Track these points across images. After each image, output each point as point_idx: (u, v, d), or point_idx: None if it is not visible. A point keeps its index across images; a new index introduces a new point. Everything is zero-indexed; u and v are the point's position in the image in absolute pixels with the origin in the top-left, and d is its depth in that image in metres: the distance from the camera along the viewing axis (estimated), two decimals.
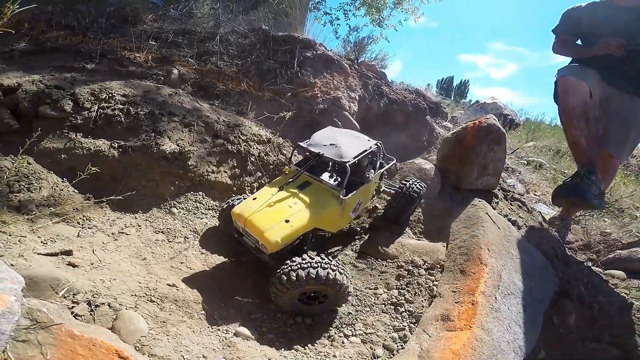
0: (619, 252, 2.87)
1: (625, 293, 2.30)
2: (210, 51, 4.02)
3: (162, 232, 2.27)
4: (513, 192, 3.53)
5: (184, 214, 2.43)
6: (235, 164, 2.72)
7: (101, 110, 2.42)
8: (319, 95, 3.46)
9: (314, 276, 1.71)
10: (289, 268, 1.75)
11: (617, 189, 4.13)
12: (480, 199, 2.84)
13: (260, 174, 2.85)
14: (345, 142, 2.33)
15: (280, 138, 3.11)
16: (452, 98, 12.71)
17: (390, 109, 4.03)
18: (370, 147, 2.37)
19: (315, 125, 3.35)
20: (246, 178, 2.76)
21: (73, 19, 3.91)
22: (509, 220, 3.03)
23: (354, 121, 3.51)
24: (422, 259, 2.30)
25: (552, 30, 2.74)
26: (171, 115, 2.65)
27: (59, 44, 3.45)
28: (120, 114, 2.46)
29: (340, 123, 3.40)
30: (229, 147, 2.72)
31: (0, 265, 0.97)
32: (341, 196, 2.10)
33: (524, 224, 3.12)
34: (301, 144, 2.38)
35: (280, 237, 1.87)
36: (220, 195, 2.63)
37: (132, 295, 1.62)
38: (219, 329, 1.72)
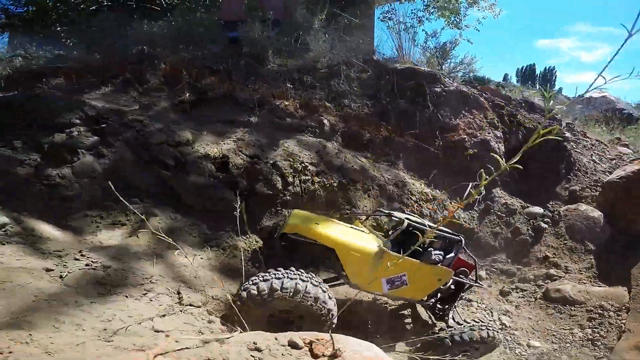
0: None
1: None
2: (339, 91, 4.16)
3: None
4: None
5: None
6: None
7: (303, 185, 2.72)
8: (465, 138, 3.47)
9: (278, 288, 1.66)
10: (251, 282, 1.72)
11: None
12: None
13: None
14: (420, 220, 2.25)
15: (438, 192, 3.23)
16: (538, 87, 11.62)
17: (528, 139, 3.88)
18: (447, 233, 2.20)
19: (466, 173, 3.40)
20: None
21: (215, 63, 4.19)
22: None
23: (504, 164, 3.48)
24: (609, 303, 2.66)
25: None
26: (353, 182, 2.89)
27: (216, 92, 3.75)
28: (319, 187, 2.75)
29: (492, 168, 3.40)
30: (405, 210, 2.92)
31: None
32: (383, 245, 2.02)
33: None
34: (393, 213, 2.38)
35: (297, 224, 1.99)
36: None
37: None
38: None
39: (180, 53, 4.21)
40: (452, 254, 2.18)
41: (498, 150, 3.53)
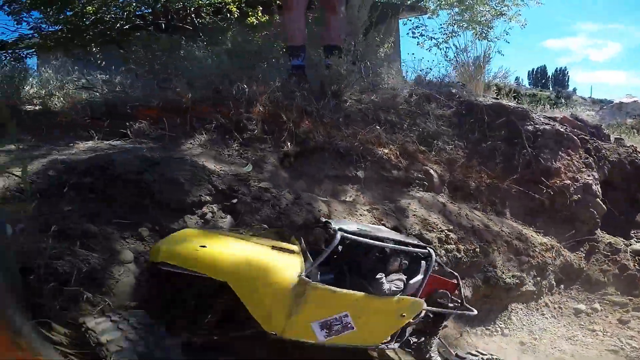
0: None
1: None
2: (429, 131, 4.19)
3: None
4: None
5: None
6: (535, 274, 3.18)
7: (449, 254, 2.88)
8: (569, 184, 3.64)
9: None
10: None
11: None
12: None
13: (552, 276, 3.30)
14: (376, 228, 1.83)
15: (554, 241, 3.45)
16: (552, 89, 11.70)
17: (611, 173, 4.10)
18: (410, 245, 1.67)
19: (572, 220, 3.60)
20: (543, 282, 3.23)
21: (304, 102, 3.72)
22: None
23: (604, 207, 3.70)
24: None
25: None
26: (488, 243, 3.07)
27: (316, 141, 3.49)
28: (464, 255, 2.92)
29: (595, 212, 3.62)
30: (532, 262, 3.14)
31: None
32: (303, 273, 1.40)
33: None
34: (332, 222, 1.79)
35: (170, 249, 1.39)
36: (528, 304, 3.16)
37: None
38: None
39: (271, 90, 3.59)
40: (418, 277, 1.63)
41: (599, 194, 3.73)
